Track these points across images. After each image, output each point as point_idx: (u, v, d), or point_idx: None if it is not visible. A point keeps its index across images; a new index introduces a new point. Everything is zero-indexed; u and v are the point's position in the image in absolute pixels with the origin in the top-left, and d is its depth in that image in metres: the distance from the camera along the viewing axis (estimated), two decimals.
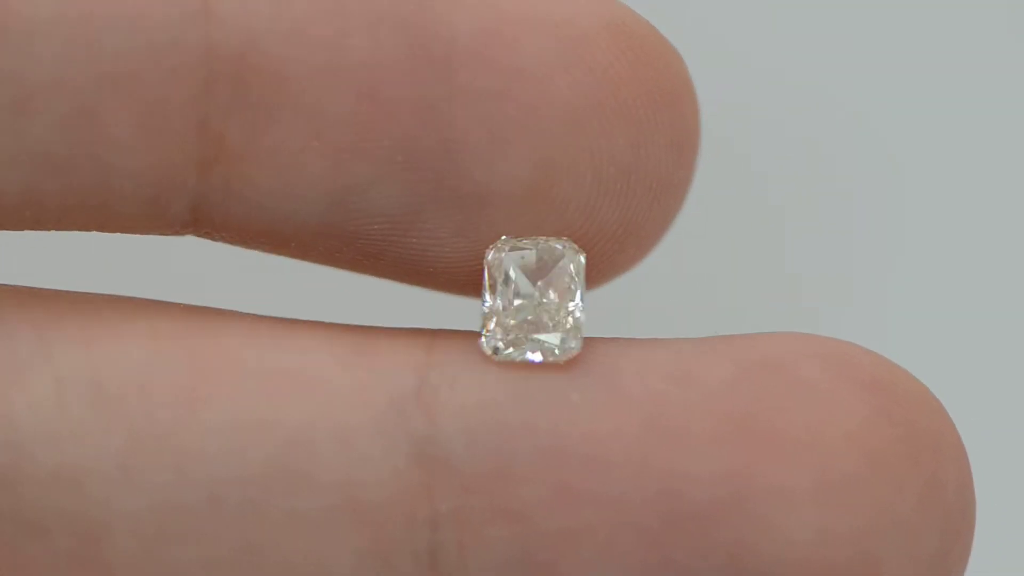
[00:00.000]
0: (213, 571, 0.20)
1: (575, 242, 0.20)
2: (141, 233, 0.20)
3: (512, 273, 0.20)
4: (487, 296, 0.20)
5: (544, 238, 0.20)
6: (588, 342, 0.20)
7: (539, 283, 0.20)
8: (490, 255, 0.20)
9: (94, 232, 0.20)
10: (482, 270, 0.20)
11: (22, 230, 0.20)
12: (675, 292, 0.31)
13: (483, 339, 0.20)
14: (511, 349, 0.20)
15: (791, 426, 0.20)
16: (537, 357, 0.20)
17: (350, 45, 0.19)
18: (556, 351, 0.20)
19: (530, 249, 0.20)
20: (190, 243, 0.21)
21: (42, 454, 0.19)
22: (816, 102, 0.33)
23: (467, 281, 0.21)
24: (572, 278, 0.20)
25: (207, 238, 0.20)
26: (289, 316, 0.21)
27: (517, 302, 0.20)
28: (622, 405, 0.20)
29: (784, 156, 0.32)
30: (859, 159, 0.33)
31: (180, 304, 0.21)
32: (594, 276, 0.21)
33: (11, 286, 0.21)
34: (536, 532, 0.20)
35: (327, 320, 0.21)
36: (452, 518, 0.20)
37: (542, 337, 0.20)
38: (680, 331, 0.21)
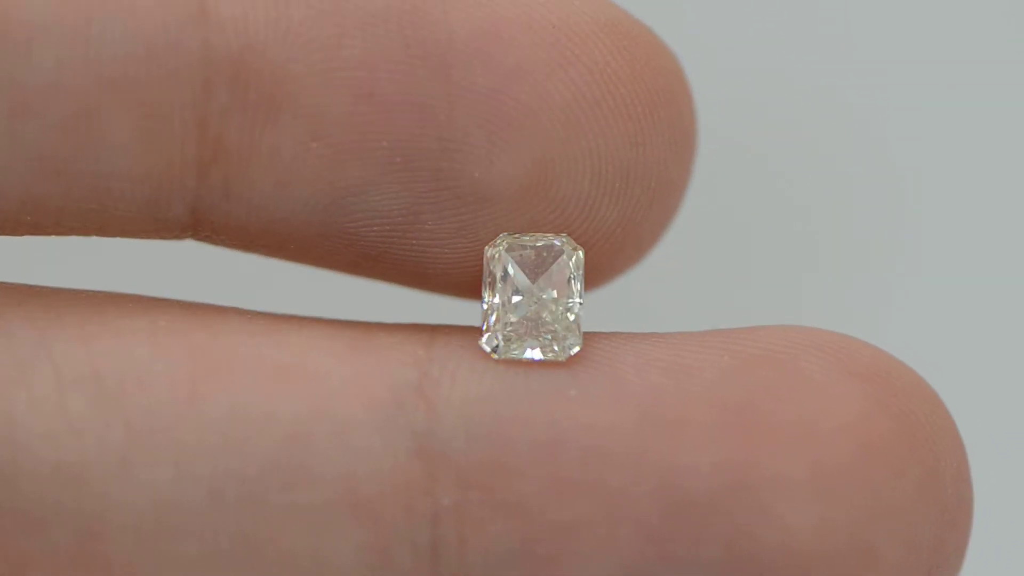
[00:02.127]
0: (212, 565, 0.20)
1: (575, 240, 0.20)
2: (140, 237, 0.20)
3: (511, 269, 0.20)
4: (486, 293, 0.20)
5: (543, 234, 0.20)
6: (586, 337, 0.21)
7: (538, 279, 0.20)
8: (489, 251, 0.20)
9: (93, 236, 0.20)
10: (481, 268, 0.20)
11: (21, 235, 0.20)
12: (673, 289, 0.31)
13: (483, 337, 0.20)
14: (511, 347, 0.20)
15: (788, 417, 0.20)
16: (537, 355, 0.20)
17: (347, 46, 0.19)
18: (556, 349, 0.20)
19: (529, 246, 0.20)
20: (189, 248, 0.21)
21: (42, 450, 0.19)
22: (812, 99, 0.33)
23: (466, 282, 0.21)
24: (571, 274, 0.20)
25: (206, 242, 0.20)
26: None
27: (516, 299, 0.20)
28: (620, 398, 0.20)
29: (782, 154, 0.32)
30: (857, 157, 0.33)
31: (179, 301, 0.21)
32: (594, 277, 0.21)
33: (11, 284, 0.21)
34: (536, 525, 0.20)
35: (327, 313, 0.21)
36: (453, 512, 0.20)
37: (542, 338, 0.20)
38: (678, 327, 0.21)
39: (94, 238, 0.20)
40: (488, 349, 0.20)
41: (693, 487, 0.20)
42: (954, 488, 0.21)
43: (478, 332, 0.21)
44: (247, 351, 0.20)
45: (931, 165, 0.33)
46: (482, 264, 0.20)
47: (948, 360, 0.26)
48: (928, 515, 0.20)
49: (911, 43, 0.33)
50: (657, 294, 0.30)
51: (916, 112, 0.33)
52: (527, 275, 0.20)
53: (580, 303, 0.20)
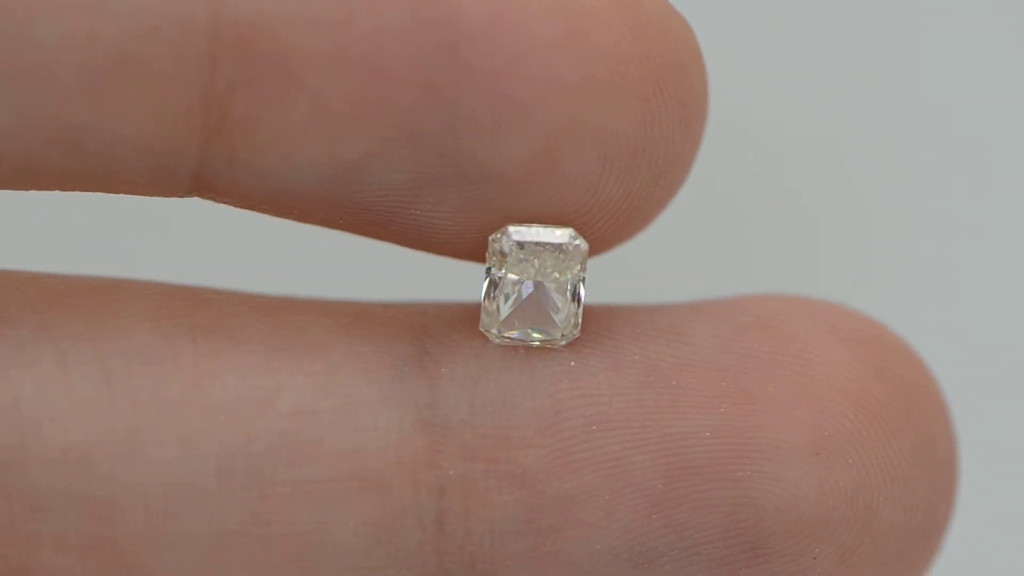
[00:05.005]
0: (221, 544, 0.20)
1: (579, 217, 0.20)
2: (144, 195, 0.20)
3: (514, 257, 0.20)
4: (488, 278, 0.20)
5: (548, 226, 0.20)
6: (584, 309, 0.21)
7: (540, 268, 0.20)
8: (493, 238, 0.20)
9: (98, 192, 0.20)
10: (485, 244, 0.20)
11: (24, 190, 0.20)
12: (670, 262, 0.31)
13: (482, 321, 0.20)
14: (510, 333, 0.20)
15: (785, 383, 0.20)
16: (535, 342, 0.20)
17: (355, 23, 0.19)
18: (554, 336, 0.20)
19: (533, 234, 0.20)
20: (195, 204, 0.21)
21: (49, 432, 0.19)
22: (815, 79, 0.33)
23: (470, 250, 0.21)
24: (575, 268, 0.20)
25: (211, 200, 0.20)
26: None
27: (517, 287, 0.20)
28: (619, 367, 0.20)
29: (784, 128, 0.33)
30: (861, 137, 0.33)
31: (180, 284, 0.21)
32: (595, 247, 0.21)
33: (10, 271, 0.21)
34: (540, 496, 0.20)
35: (324, 294, 0.21)
36: (457, 484, 0.20)
37: (542, 334, 0.20)
38: (675, 298, 0.22)
39: (100, 195, 0.20)
40: (486, 334, 0.20)
41: (695, 453, 0.20)
42: (945, 449, 0.21)
43: (476, 309, 0.21)
44: (250, 330, 0.20)
45: (931, 150, 0.33)
46: (486, 240, 0.20)
47: (942, 341, 0.26)
48: (923, 477, 0.21)
49: (916, 30, 0.33)
50: (654, 267, 0.30)
51: (918, 96, 0.33)
52: (530, 264, 0.20)
53: (581, 294, 0.20)
